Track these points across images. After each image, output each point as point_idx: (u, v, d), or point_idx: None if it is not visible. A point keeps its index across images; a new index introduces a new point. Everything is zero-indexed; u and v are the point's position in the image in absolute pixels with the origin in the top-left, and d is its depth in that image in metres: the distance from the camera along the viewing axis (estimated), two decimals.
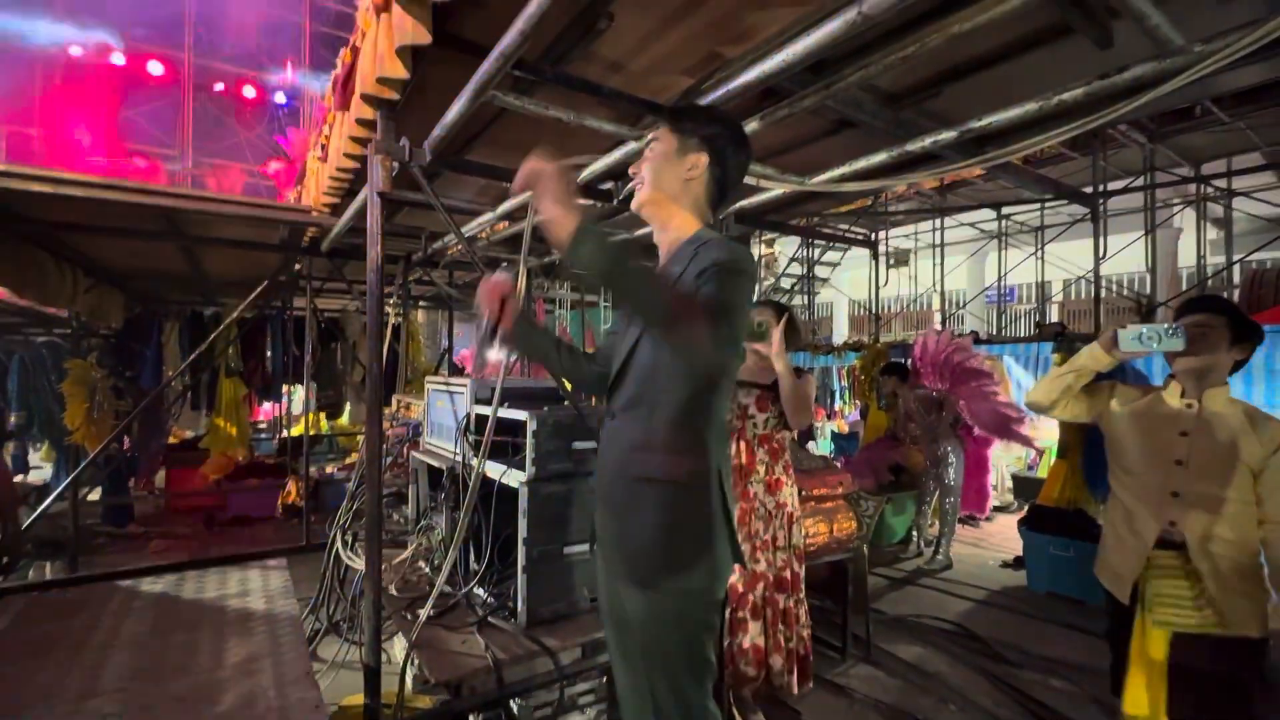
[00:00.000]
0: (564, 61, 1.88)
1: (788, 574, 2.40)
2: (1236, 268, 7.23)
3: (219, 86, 9.48)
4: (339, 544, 2.90)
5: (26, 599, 2.27)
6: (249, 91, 9.67)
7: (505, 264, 1.18)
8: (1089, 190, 4.31)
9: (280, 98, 9.88)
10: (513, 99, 1.62)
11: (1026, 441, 4.55)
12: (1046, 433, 6.16)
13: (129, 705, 1.46)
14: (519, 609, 2.13)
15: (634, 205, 1.26)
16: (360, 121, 1.72)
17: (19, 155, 7.89)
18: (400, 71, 1.41)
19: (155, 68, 8.91)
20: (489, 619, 2.19)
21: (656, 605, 1.14)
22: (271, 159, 9.90)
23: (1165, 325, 1.52)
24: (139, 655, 1.73)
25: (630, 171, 1.28)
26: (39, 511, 2.79)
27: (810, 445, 7.28)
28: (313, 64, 9.73)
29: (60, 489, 3.11)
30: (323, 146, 2.30)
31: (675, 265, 1.14)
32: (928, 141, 1.88)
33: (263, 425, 8.08)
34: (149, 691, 1.53)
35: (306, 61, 9.75)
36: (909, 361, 4.92)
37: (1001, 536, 5.13)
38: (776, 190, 2.47)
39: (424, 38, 1.32)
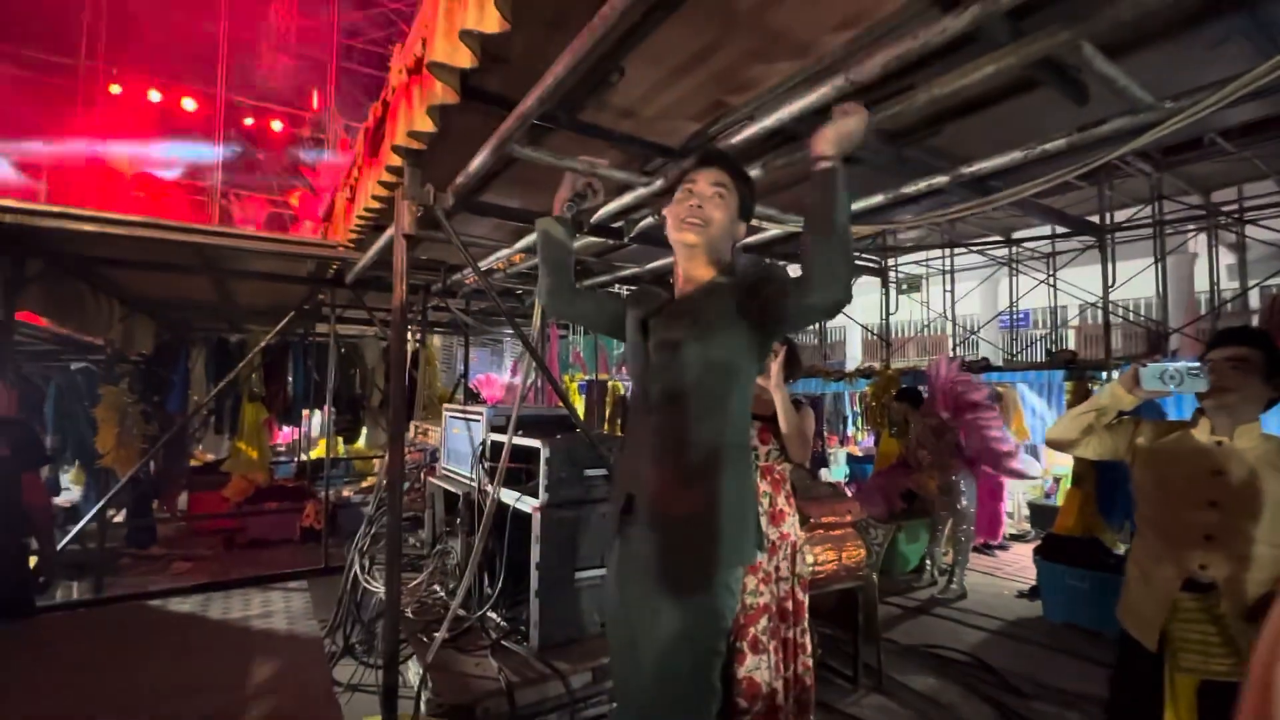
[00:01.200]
0: (577, 109, 2.01)
1: (790, 604, 2.42)
2: (1253, 293, 7.19)
3: (248, 121, 9.90)
4: (357, 567, 2.98)
5: (62, 617, 2.38)
6: (276, 126, 10.09)
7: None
8: (1096, 220, 4.36)
9: (305, 132, 10.28)
10: (529, 151, 1.74)
11: (1018, 475, 4.56)
12: (1062, 460, 6.11)
13: (170, 715, 1.55)
14: (531, 633, 2.20)
15: (682, 237, 1.32)
16: (389, 169, 1.86)
17: (60, 191, 8.27)
18: (429, 126, 1.54)
19: (188, 103, 9.34)
20: (502, 642, 2.25)
21: (691, 610, 1.23)
22: (294, 190, 10.28)
23: (1189, 363, 1.48)
24: (168, 673, 1.82)
25: (680, 208, 1.33)
26: (73, 533, 2.92)
27: (823, 473, 7.27)
28: (338, 99, 10.14)
29: (95, 510, 3.25)
30: (351, 188, 2.45)
31: (714, 298, 1.30)
32: (922, 185, 1.98)
33: (282, 449, 8.25)
34: (179, 709, 1.61)
35: (331, 100, 10.16)
36: (924, 387, 4.96)
37: (1017, 565, 5.08)
38: (775, 230, 2.58)
39: (452, 98, 1.45)
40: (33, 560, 2.42)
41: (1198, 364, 1.47)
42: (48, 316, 3.05)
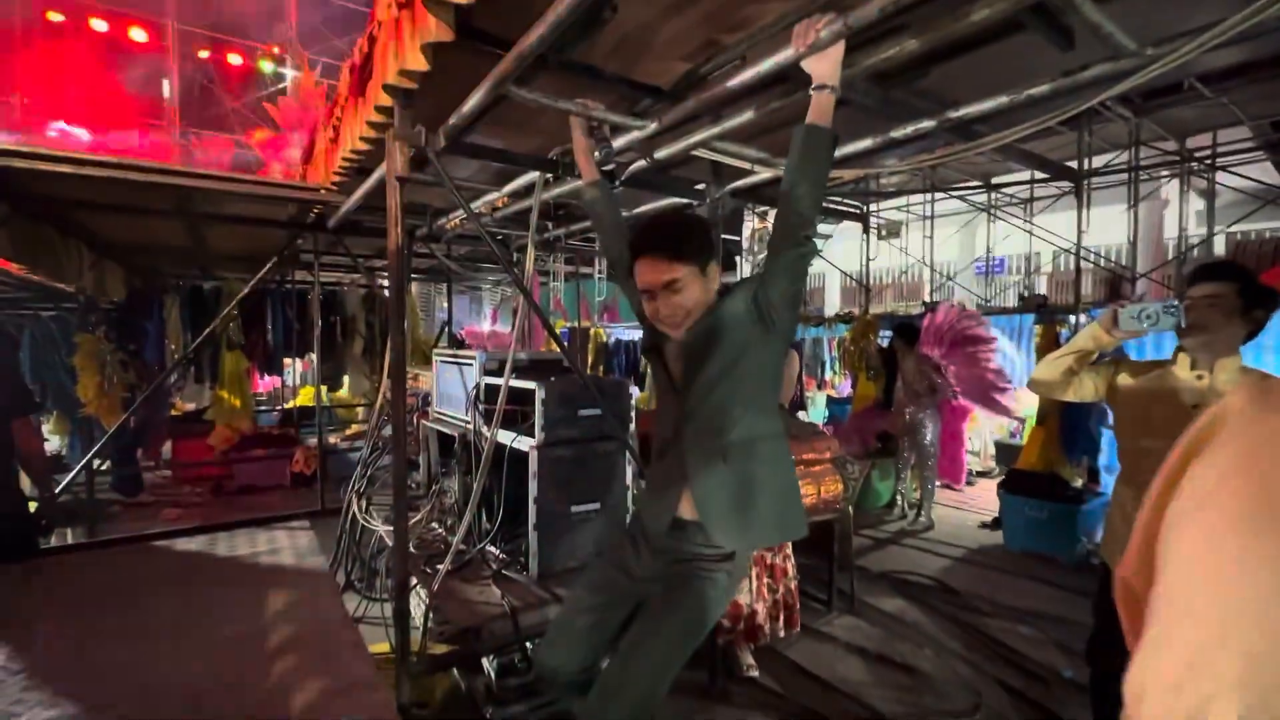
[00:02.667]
0: (567, 49, 1.98)
1: None
2: (1220, 239, 7.41)
3: (204, 54, 9.31)
4: (356, 508, 3.08)
5: (68, 557, 2.44)
6: (235, 59, 9.51)
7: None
8: (1074, 165, 4.43)
9: (266, 66, 9.72)
10: (524, 93, 1.73)
11: (1006, 412, 4.74)
12: (1027, 401, 6.40)
13: (189, 644, 1.64)
14: (530, 562, 2.33)
15: (670, 334, 1.41)
16: (378, 108, 1.83)
17: (2, 124, 7.78)
18: (421, 64, 1.52)
19: (138, 34, 8.73)
20: (503, 572, 2.38)
21: (735, 570, 1.40)
22: (257, 128, 9.79)
23: (1164, 303, 1.51)
24: (187, 605, 1.91)
25: (662, 316, 1.39)
26: (67, 480, 2.94)
27: (800, 414, 7.51)
28: (299, 33, 9.56)
29: (88, 458, 3.26)
30: (334, 128, 2.39)
31: (715, 318, 1.39)
32: (909, 129, 2.01)
33: (263, 397, 8.20)
34: (205, 633, 1.71)
35: (293, 30, 9.57)
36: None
37: (983, 500, 5.40)
38: (766, 174, 2.60)
39: (446, 35, 1.43)
40: (32, 506, 2.45)
41: (1175, 303, 1.50)
42: (17, 262, 2.97)
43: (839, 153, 2.56)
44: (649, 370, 1.50)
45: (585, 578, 1.60)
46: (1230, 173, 5.48)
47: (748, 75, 1.57)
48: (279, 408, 7.50)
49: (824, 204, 1.29)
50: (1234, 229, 7.35)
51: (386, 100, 1.81)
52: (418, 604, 2.31)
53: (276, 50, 9.77)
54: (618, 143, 2.13)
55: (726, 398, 1.37)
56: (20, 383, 2.50)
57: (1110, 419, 4.49)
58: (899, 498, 5.06)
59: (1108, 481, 4.55)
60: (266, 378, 7.40)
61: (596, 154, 1.57)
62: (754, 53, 1.91)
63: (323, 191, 2.76)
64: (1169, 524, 0.37)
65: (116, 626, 1.75)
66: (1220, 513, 0.33)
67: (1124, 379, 1.75)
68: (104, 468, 4.99)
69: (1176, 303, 1.50)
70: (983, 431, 6.71)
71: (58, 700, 1.38)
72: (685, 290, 1.34)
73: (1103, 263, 7.13)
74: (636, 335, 8.14)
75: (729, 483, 1.36)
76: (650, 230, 1.38)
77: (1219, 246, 7.64)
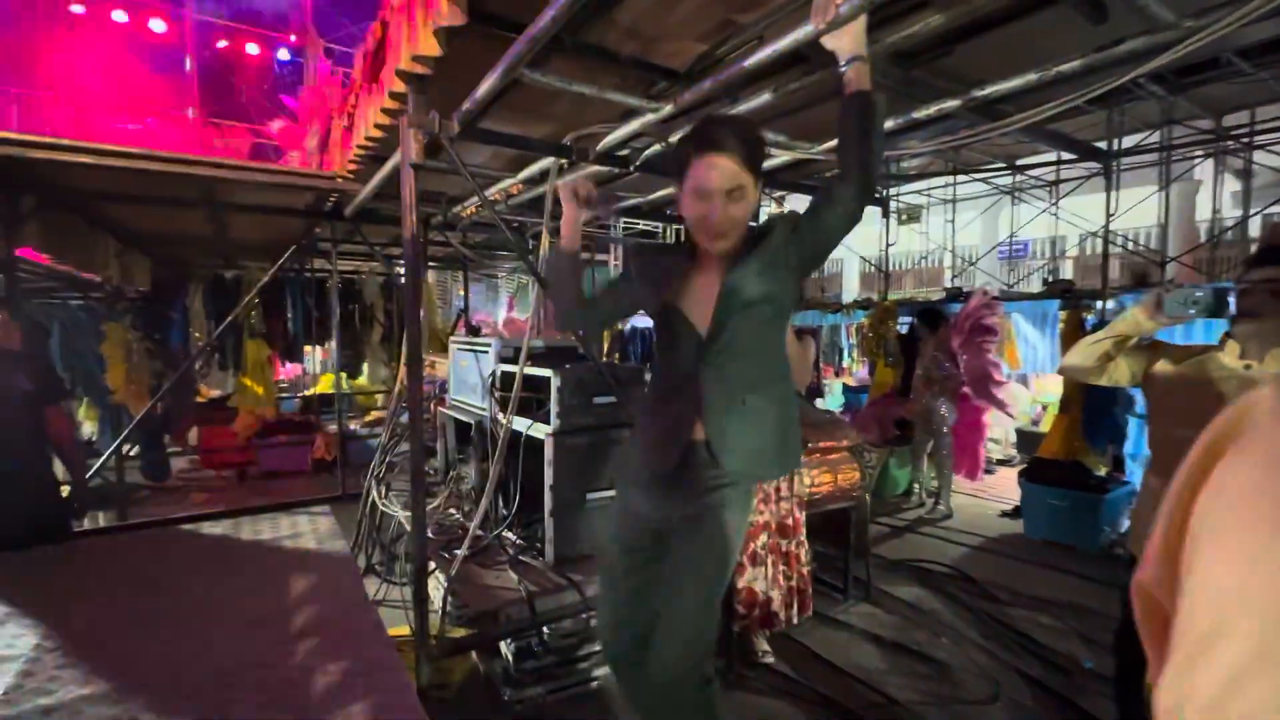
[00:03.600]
0: (581, 30, 1.95)
1: (790, 520, 2.59)
2: (1255, 221, 7.16)
3: (222, 44, 9.38)
4: (375, 493, 3.13)
5: (100, 541, 2.52)
6: (252, 49, 9.57)
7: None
8: (1103, 146, 4.29)
9: (283, 55, 9.76)
10: (538, 75, 1.71)
11: (999, 405, 4.66)
12: (1052, 386, 6.28)
13: (215, 626, 1.68)
14: (546, 548, 2.35)
15: (712, 247, 1.33)
16: (392, 95, 1.82)
17: (29, 120, 7.93)
18: (434, 50, 1.51)
19: (157, 25, 8.82)
20: (520, 557, 2.41)
21: (743, 496, 1.41)
22: (274, 118, 9.86)
23: (1213, 288, 1.45)
24: (213, 587, 1.95)
25: (715, 222, 1.29)
26: (98, 465, 3.03)
27: (818, 402, 7.46)
28: (315, 20, 9.57)
29: (117, 444, 3.34)
30: (349, 115, 2.39)
31: (750, 249, 1.35)
32: (933, 109, 1.96)
33: (284, 384, 8.34)
34: (230, 615, 1.75)
35: (309, 18, 9.58)
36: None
37: (1003, 488, 5.33)
38: (785, 157, 2.55)
39: (459, 19, 1.42)
40: (64, 491, 2.53)
41: (1225, 288, 1.44)
42: (48, 252, 3.03)
43: None
44: (656, 330, 1.43)
45: (609, 553, 1.59)
46: (1269, 152, 5.27)
47: (765, 55, 1.54)
48: (300, 394, 7.62)
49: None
50: (1271, 210, 7.09)
51: (400, 86, 1.81)
52: (436, 588, 2.35)
53: (293, 39, 9.81)
54: (631, 126, 2.10)
55: (756, 337, 1.36)
56: (52, 371, 2.56)
57: (1139, 406, 4.38)
58: (916, 486, 5.01)
59: (1133, 470, 4.45)
60: (288, 365, 7.52)
61: (590, 209, 1.42)
62: (771, 32, 1.86)
63: (339, 179, 2.77)
64: (1195, 531, 0.35)
65: (146, 608, 1.80)
66: (1258, 517, 0.31)
67: (1162, 365, 1.66)
68: (133, 453, 5.13)
69: (1234, 286, 1.44)
70: (1002, 419, 6.61)
71: (90, 679, 1.43)
72: (745, 200, 1.29)
73: (1131, 246, 6.94)
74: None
75: (747, 420, 1.38)
76: (718, 128, 1.28)
77: (1255, 229, 7.38)
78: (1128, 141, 5.14)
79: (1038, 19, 1.70)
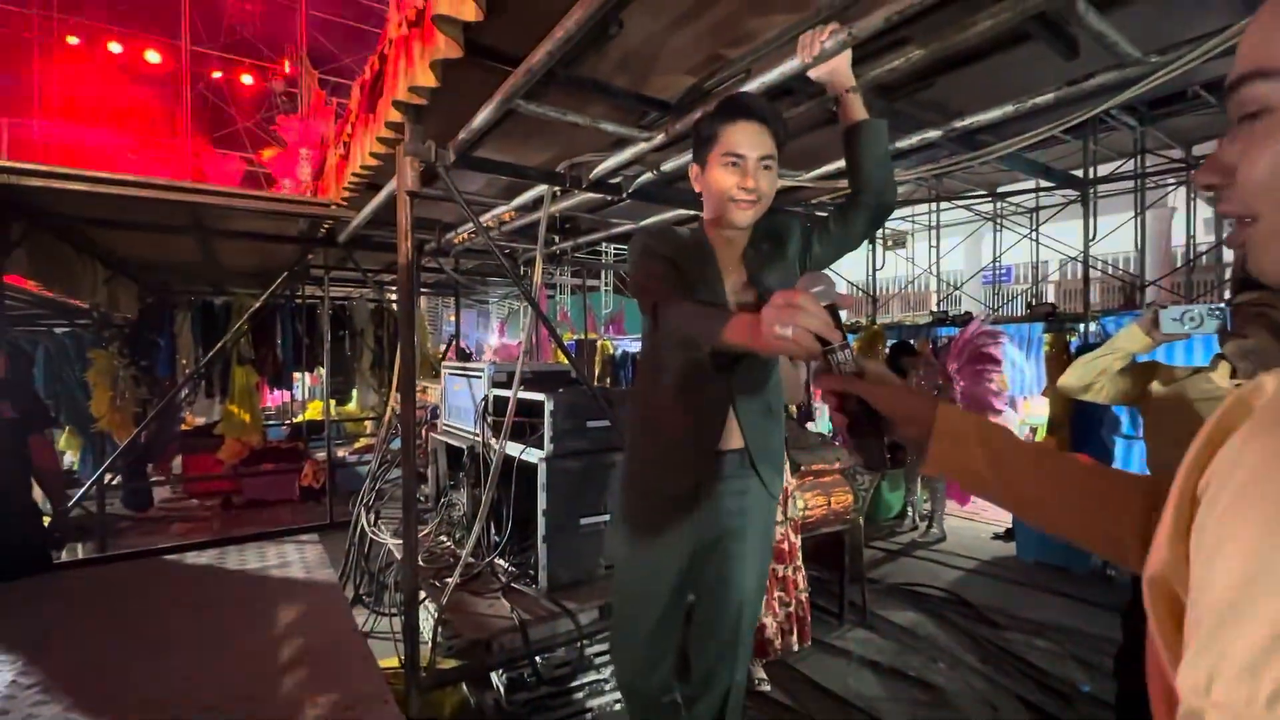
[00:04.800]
0: (575, 64, 2.01)
1: (785, 545, 2.58)
2: (1226, 248, 7.35)
3: (217, 75, 9.50)
4: (364, 520, 3.08)
5: (81, 572, 2.46)
6: (246, 79, 9.69)
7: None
8: (1079, 174, 4.43)
9: (278, 86, 9.89)
10: (533, 107, 1.76)
11: None
12: (1037, 409, 6.34)
13: (200, 658, 1.64)
14: (540, 575, 2.32)
15: (736, 217, 1.29)
16: (389, 124, 1.86)
17: (20, 149, 7.94)
18: (431, 81, 1.55)
19: (152, 56, 8.93)
20: (512, 585, 2.37)
21: (775, 509, 1.48)
22: (266, 146, 9.95)
23: (1209, 305, 1.48)
24: (197, 619, 1.91)
25: (745, 190, 1.27)
26: (80, 494, 2.97)
27: (810, 425, 7.48)
28: (310, 51, 9.72)
29: (100, 472, 3.28)
30: (344, 144, 2.43)
31: (766, 244, 1.39)
32: (915, 139, 2.02)
33: (271, 411, 8.25)
34: (215, 647, 1.71)
35: (302, 48, 9.74)
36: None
37: (995, 510, 5.34)
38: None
39: (455, 52, 1.46)
40: (45, 520, 2.47)
41: (1220, 306, 1.46)
42: (35, 279, 3.02)
43: (838, 165, 2.58)
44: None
45: (634, 585, 1.48)
46: None
47: (753, 87, 1.59)
48: (288, 422, 7.53)
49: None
50: None
51: (397, 116, 1.84)
52: (426, 618, 2.31)
53: (287, 68, 9.95)
54: (623, 155, 2.15)
55: None
56: (37, 399, 2.53)
57: (1125, 427, 4.42)
58: (910, 509, 5.01)
59: None
60: (276, 392, 7.45)
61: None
62: (759, 65, 1.93)
63: (333, 207, 2.80)
64: (1207, 508, 0.35)
65: (129, 641, 1.75)
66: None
67: (1159, 383, 1.67)
68: (115, 482, 5.02)
69: (1222, 305, 1.47)
70: None
71: (70, 714, 1.38)
72: (772, 174, 1.29)
73: (1110, 270, 7.10)
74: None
75: (773, 427, 1.41)
76: (750, 97, 1.31)
77: (1228, 254, 7.59)
78: (1103, 170, 5.31)
79: (1013, 55, 1.78)
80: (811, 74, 1.36)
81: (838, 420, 0.75)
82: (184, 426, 6.39)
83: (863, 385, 0.72)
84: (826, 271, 1.10)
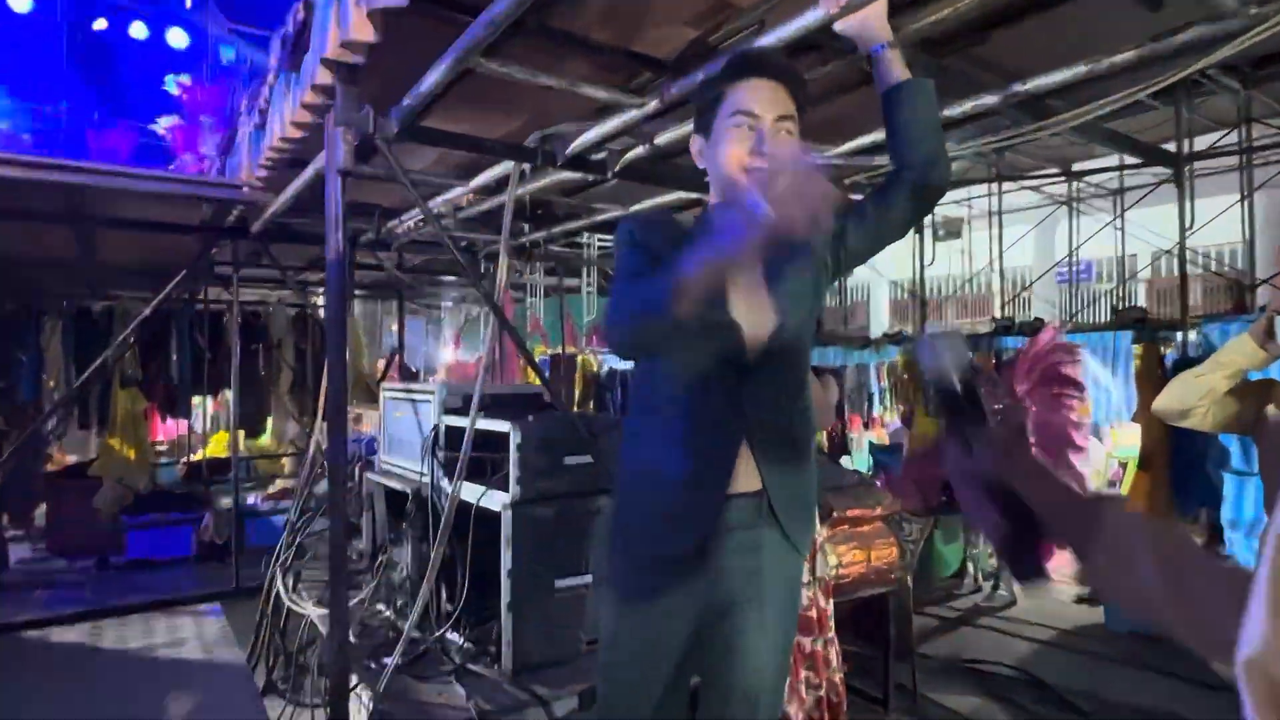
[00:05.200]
0: (548, 12, 2.04)
1: (813, 612, 2.57)
2: None
3: (99, 24, 9.55)
4: (280, 586, 3.05)
5: None
6: (138, 31, 9.74)
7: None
8: (1172, 148, 4.51)
9: (177, 41, 9.95)
10: (496, 65, 1.78)
11: (1077, 478, 4.70)
12: (1130, 439, 6.39)
13: None
14: (504, 653, 2.30)
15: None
16: (316, 87, 1.88)
17: None
18: (369, 34, 1.58)
19: (19, 2, 8.97)
20: (468, 666, 2.35)
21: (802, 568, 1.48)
22: (162, 115, 9.98)
23: None
24: (69, 709, 1.88)
25: (739, 147, 1.27)
26: None
27: (844, 460, 7.50)
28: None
29: None
30: (260, 112, 2.45)
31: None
32: (968, 105, 2.07)
33: (163, 446, 8.18)
34: None
35: None
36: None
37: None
38: None
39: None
40: None
41: None
42: None
43: (875, 137, 2.61)
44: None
45: (628, 668, 1.46)
46: None
47: (767, 43, 1.62)
48: (184, 459, 7.47)
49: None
50: None
51: (326, 77, 1.86)
52: (359, 710, 2.28)
53: (189, 6, 10.03)
54: (607, 125, 2.18)
55: (798, 355, 1.39)
56: None
57: (1235, 460, 4.45)
58: (970, 565, 5.02)
59: (1233, 540, 4.51)
60: (169, 421, 7.38)
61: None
62: (775, 16, 1.97)
63: (245, 189, 2.81)
64: None
65: None
66: None
67: (1275, 408, 1.69)
68: None
69: None
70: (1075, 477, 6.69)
71: None
72: (794, 139, 1.31)
73: (1213, 266, 7.21)
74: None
75: (803, 467, 1.39)
76: (762, 52, 1.36)
77: None
78: (1201, 143, 5.40)
79: (1083, 3, 1.83)
80: (838, 26, 1.39)
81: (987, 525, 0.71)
82: (50, 466, 6.31)
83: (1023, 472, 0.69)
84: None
